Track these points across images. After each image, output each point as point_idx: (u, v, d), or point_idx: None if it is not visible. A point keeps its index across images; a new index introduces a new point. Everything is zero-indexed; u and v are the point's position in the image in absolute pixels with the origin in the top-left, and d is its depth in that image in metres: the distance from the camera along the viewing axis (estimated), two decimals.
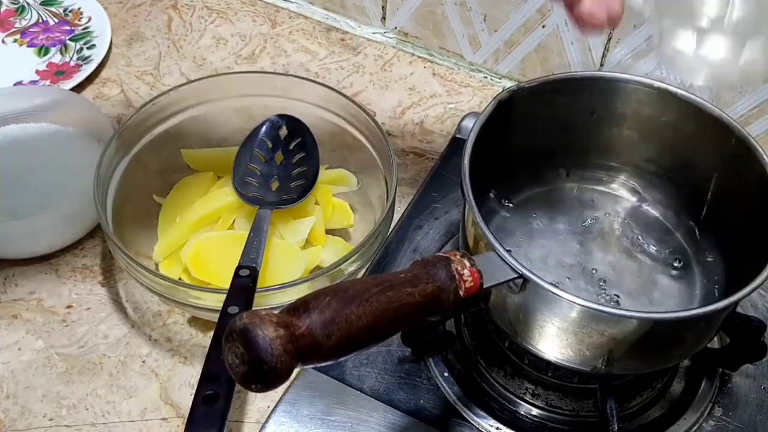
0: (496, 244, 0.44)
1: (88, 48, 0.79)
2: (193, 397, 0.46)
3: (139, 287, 0.59)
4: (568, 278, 0.56)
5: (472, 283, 0.41)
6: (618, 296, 0.55)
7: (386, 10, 0.82)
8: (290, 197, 0.62)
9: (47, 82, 0.76)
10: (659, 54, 0.60)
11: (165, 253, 0.61)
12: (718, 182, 0.55)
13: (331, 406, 0.53)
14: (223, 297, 0.52)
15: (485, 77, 0.80)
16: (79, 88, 0.76)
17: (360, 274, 0.60)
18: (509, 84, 0.78)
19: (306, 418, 0.53)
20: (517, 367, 0.55)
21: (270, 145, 0.65)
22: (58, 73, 0.77)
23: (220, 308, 0.51)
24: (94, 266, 0.63)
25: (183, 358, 0.58)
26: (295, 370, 0.36)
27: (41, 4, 0.84)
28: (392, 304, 0.38)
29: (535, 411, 0.54)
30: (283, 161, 0.65)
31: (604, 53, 0.73)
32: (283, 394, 0.54)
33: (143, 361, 0.58)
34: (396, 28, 0.83)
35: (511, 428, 0.53)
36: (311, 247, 0.62)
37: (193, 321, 0.60)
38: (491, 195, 0.58)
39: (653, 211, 0.60)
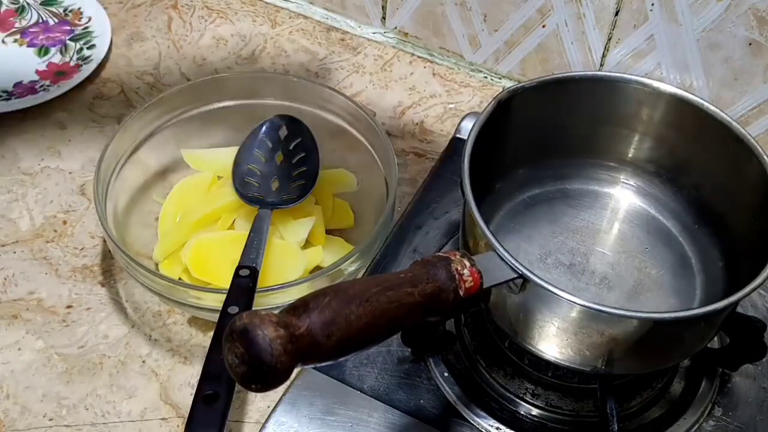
0: (496, 244, 0.44)
1: (88, 48, 0.79)
2: (193, 397, 0.46)
3: (139, 287, 0.59)
4: (568, 278, 0.56)
5: (472, 283, 0.41)
6: (618, 296, 0.55)
7: (386, 10, 0.82)
8: (290, 197, 0.62)
9: (47, 82, 0.76)
10: None
11: (165, 253, 0.61)
12: (718, 182, 0.55)
13: (331, 406, 0.53)
14: (223, 297, 0.52)
15: (485, 77, 0.80)
16: (79, 88, 0.75)
17: (360, 274, 0.60)
18: (509, 84, 0.78)
19: (306, 418, 0.53)
20: (517, 367, 0.55)
21: (270, 145, 0.65)
22: (58, 73, 0.77)
23: (220, 308, 0.51)
24: (94, 266, 0.63)
25: (183, 358, 0.58)
26: (295, 370, 0.36)
27: (41, 4, 0.84)
28: (392, 304, 0.38)
29: (535, 411, 0.54)
30: (283, 161, 0.65)
31: (604, 53, 0.73)
32: (283, 394, 0.54)
33: (143, 361, 0.58)
34: (396, 28, 0.83)
35: (511, 428, 0.53)
36: (311, 247, 0.62)
37: (193, 321, 0.60)
38: (491, 195, 0.58)
39: (653, 211, 0.60)
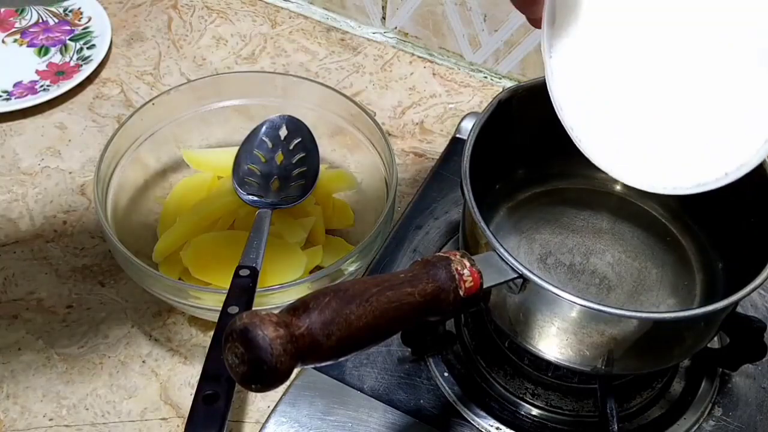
0: (496, 244, 0.44)
1: (88, 48, 0.79)
2: (193, 397, 0.46)
3: (139, 287, 0.59)
4: (568, 278, 0.56)
5: (472, 283, 0.41)
6: (618, 296, 0.55)
7: (386, 10, 0.82)
8: (290, 197, 0.62)
9: (47, 82, 0.76)
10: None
11: (165, 253, 0.61)
12: None
13: (331, 406, 0.53)
14: (223, 297, 0.52)
15: (485, 77, 0.80)
16: (79, 88, 0.76)
17: (360, 274, 0.60)
18: (509, 84, 0.78)
19: (306, 418, 0.53)
20: (517, 367, 0.55)
21: (270, 145, 0.65)
22: (58, 73, 0.77)
23: (220, 308, 0.51)
24: (94, 266, 0.63)
25: (183, 358, 0.58)
26: (295, 370, 0.36)
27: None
28: (392, 304, 0.38)
29: (535, 411, 0.54)
30: (283, 161, 0.65)
31: None
32: (283, 394, 0.54)
33: (143, 361, 0.58)
34: (396, 28, 0.83)
35: (511, 428, 0.53)
36: (311, 247, 0.62)
37: (193, 321, 0.60)
38: (491, 195, 0.58)
39: (653, 212, 0.60)
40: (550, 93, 0.48)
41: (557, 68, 0.48)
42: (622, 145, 0.49)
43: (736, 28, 0.45)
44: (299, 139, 0.65)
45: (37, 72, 0.77)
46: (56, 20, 0.82)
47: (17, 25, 0.82)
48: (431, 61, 0.81)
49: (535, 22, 0.48)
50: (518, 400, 0.54)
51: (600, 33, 0.48)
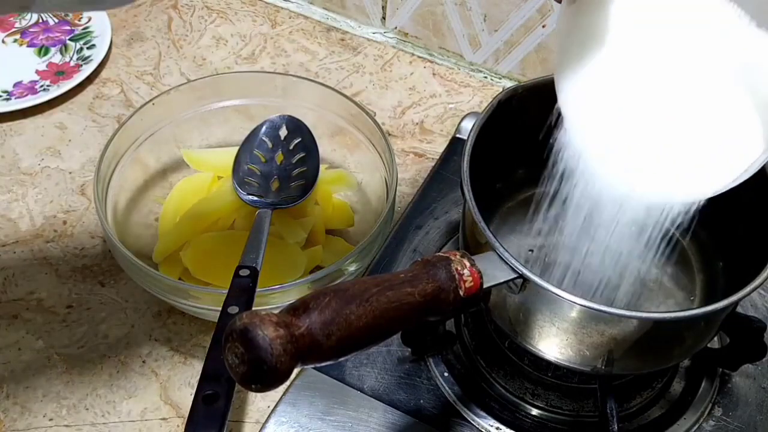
0: (497, 244, 0.44)
1: (88, 48, 0.79)
2: (193, 397, 0.46)
3: (139, 287, 0.59)
4: (568, 278, 0.56)
5: (472, 283, 0.41)
6: (618, 296, 0.55)
7: (386, 10, 0.82)
8: (290, 197, 0.62)
9: (47, 82, 0.76)
10: None
11: (165, 253, 0.61)
12: None
13: (331, 406, 0.53)
14: (223, 297, 0.52)
15: (485, 77, 0.80)
16: (79, 88, 0.76)
17: (360, 274, 0.60)
18: (509, 84, 0.78)
19: (306, 418, 0.53)
20: (517, 367, 0.55)
21: (270, 145, 0.65)
22: (58, 73, 0.77)
23: (220, 308, 0.51)
24: (94, 266, 0.63)
25: (183, 358, 0.58)
26: (295, 370, 0.36)
27: None
28: (392, 304, 0.38)
29: (535, 411, 0.54)
30: (283, 161, 0.65)
31: None
32: (283, 394, 0.54)
33: (143, 361, 0.58)
34: (396, 28, 0.83)
35: (511, 428, 0.53)
36: (311, 247, 0.62)
37: (193, 321, 0.60)
38: (491, 195, 0.58)
39: None
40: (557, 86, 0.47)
41: (567, 63, 0.47)
42: (635, 158, 0.48)
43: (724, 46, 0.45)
44: (299, 139, 0.65)
45: (37, 72, 0.77)
46: (56, 20, 0.82)
47: (17, 25, 0.82)
48: (431, 61, 0.81)
49: None
50: (518, 400, 0.54)
51: (616, 33, 0.47)
